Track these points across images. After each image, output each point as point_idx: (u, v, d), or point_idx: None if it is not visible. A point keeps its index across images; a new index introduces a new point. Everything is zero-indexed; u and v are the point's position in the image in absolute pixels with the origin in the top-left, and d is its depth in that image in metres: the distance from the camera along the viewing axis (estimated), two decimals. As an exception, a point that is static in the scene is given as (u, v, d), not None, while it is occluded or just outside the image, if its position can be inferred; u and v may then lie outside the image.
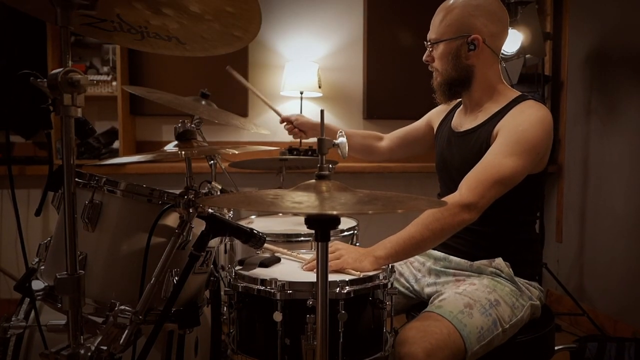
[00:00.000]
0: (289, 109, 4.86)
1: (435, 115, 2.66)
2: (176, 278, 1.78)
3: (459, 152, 2.33)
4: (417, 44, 2.31)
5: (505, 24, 2.27)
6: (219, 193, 2.17)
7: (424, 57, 2.34)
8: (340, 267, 1.89)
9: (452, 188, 2.26)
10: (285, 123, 2.89)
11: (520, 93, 2.29)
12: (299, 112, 4.64)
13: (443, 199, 1.99)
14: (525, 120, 2.11)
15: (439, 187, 2.51)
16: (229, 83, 4.62)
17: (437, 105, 2.62)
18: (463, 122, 2.38)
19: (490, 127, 2.19)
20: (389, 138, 2.90)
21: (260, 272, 1.87)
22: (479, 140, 2.22)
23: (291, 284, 1.69)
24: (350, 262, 1.91)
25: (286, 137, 3.05)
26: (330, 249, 1.98)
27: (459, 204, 2.01)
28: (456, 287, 2.15)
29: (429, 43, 2.31)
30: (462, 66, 2.24)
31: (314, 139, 2.89)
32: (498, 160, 2.05)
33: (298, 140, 4.26)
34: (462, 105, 2.44)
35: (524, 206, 2.25)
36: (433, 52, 2.29)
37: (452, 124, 2.44)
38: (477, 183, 2.03)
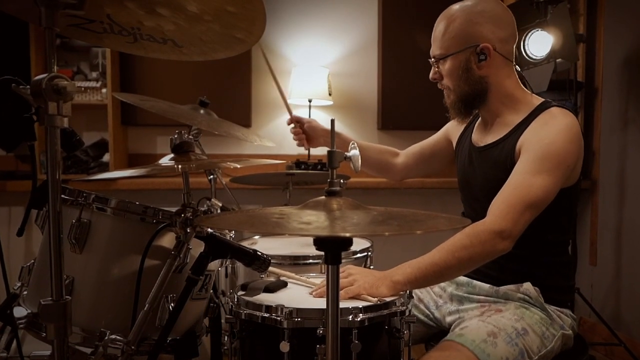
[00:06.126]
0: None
1: (453, 128, 2.64)
2: (172, 304, 1.78)
3: (481, 168, 2.31)
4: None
5: (512, 26, 2.26)
6: (219, 211, 2.17)
7: (430, 76, 2.32)
8: (355, 293, 1.87)
9: (476, 207, 2.24)
10: (293, 125, 2.81)
11: (542, 99, 2.27)
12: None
13: (471, 224, 1.97)
14: (550, 132, 2.09)
15: (463, 206, 2.50)
16: (230, 90, 4.65)
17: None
18: (483, 136, 2.37)
19: (513, 141, 2.17)
20: (404, 155, 2.89)
21: (265, 298, 1.86)
22: (502, 156, 2.20)
23: (299, 311, 1.68)
24: (367, 287, 1.89)
25: (293, 150, 3.04)
26: (343, 274, 1.97)
27: (490, 231, 1.97)
28: (480, 314, 2.14)
29: (433, 60, 2.30)
30: (474, 79, 2.22)
31: (323, 151, 2.88)
32: (527, 180, 2.03)
33: (306, 153, 4.25)
34: (480, 118, 2.43)
35: (556, 225, 2.22)
36: (440, 69, 2.28)
37: (472, 139, 2.42)
38: (508, 208, 2.00)
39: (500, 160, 2.20)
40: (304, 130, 2.79)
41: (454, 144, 2.60)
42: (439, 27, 2.24)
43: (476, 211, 2.25)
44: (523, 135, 2.14)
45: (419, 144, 2.84)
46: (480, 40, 2.17)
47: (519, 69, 2.31)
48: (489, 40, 2.17)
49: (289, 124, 2.83)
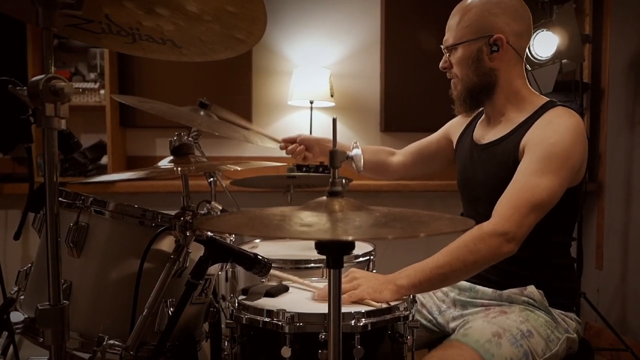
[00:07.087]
0: (298, 119, 4.88)
1: (454, 127, 2.65)
2: (171, 309, 1.78)
3: (483, 166, 2.31)
4: (440, 48, 2.30)
5: (528, 23, 2.27)
6: (219, 214, 2.16)
7: (440, 64, 2.33)
8: (359, 298, 1.86)
9: (476, 207, 2.24)
10: (287, 147, 2.71)
11: (547, 99, 2.27)
12: (307, 124, 4.66)
13: (475, 226, 1.96)
14: (554, 132, 2.09)
15: (462, 207, 2.49)
16: (231, 91, 4.64)
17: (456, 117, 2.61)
18: (486, 133, 2.37)
19: (516, 139, 2.17)
20: (402, 153, 2.88)
21: (266, 303, 1.85)
22: (505, 154, 2.20)
23: (301, 316, 1.67)
24: (370, 291, 1.88)
25: (294, 152, 3.02)
26: (346, 278, 1.97)
27: (495, 234, 1.96)
28: (485, 316, 2.14)
29: (445, 48, 2.31)
30: (484, 70, 2.23)
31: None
32: (532, 181, 2.03)
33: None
34: (483, 116, 2.43)
35: (558, 226, 2.22)
36: (451, 58, 2.29)
37: (474, 136, 2.43)
38: (513, 210, 1.99)
39: (503, 158, 2.20)
40: (299, 143, 2.74)
41: (454, 143, 2.60)
42: (455, 17, 2.26)
43: (477, 210, 2.24)
44: (527, 133, 2.14)
45: (417, 143, 2.84)
46: (494, 31, 2.18)
47: (529, 67, 2.31)
48: (503, 32, 2.18)
49: (282, 149, 2.79)
